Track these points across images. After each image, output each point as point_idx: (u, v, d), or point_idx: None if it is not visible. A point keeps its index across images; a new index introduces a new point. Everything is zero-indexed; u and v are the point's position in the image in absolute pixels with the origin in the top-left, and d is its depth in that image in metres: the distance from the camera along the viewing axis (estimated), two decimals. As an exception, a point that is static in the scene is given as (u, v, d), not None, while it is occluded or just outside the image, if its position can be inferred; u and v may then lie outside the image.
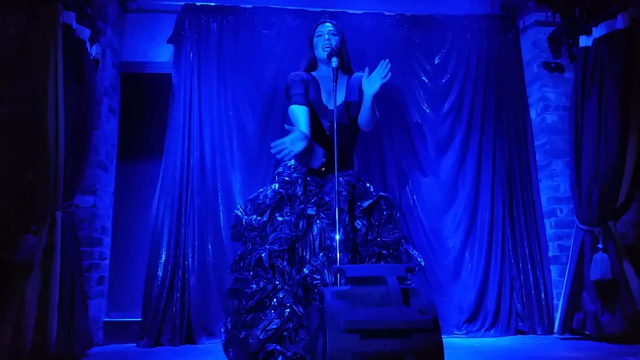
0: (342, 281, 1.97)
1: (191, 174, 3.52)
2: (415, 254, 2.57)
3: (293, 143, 2.27)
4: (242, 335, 2.25)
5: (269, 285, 2.30)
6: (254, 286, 2.31)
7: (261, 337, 2.16)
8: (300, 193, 2.48)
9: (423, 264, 2.63)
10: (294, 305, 2.22)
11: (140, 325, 3.28)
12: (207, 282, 3.40)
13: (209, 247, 3.46)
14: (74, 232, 2.91)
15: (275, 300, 2.26)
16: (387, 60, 2.41)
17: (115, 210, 3.63)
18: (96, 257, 3.29)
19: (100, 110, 3.39)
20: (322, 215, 2.39)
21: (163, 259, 3.36)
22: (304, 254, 2.36)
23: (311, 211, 2.40)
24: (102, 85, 3.42)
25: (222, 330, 2.44)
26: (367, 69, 2.47)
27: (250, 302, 2.28)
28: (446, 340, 2.81)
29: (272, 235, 2.39)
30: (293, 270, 2.33)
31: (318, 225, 2.38)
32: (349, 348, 1.42)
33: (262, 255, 2.35)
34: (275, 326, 2.18)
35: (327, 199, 2.43)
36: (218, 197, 3.54)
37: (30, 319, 2.52)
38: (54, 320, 2.59)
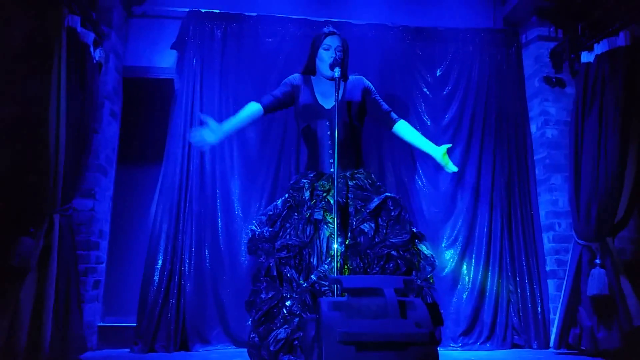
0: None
1: (190, 180, 3.51)
2: (430, 254, 2.38)
3: (206, 134, 2.45)
4: (257, 348, 2.23)
5: (277, 295, 2.26)
6: (264, 296, 2.28)
7: (272, 348, 2.14)
8: (307, 198, 2.40)
9: (437, 264, 2.45)
10: (302, 314, 2.16)
11: (135, 331, 3.26)
12: (203, 289, 3.39)
13: (206, 253, 3.45)
14: (72, 235, 2.91)
15: (284, 309, 2.22)
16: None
17: (113, 214, 3.63)
18: (93, 261, 3.28)
19: (101, 114, 3.40)
20: (328, 220, 2.32)
21: (160, 264, 3.35)
22: (312, 260, 2.29)
23: (318, 216, 2.33)
24: (104, 89, 3.42)
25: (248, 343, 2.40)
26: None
27: (259, 313, 2.26)
28: (442, 352, 2.78)
29: (278, 243, 2.35)
30: (301, 277, 2.27)
31: (325, 230, 2.31)
32: (344, 360, 1.41)
33: (270, 264, 2.33)
34: (284, 335, 2.14)
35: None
36: (217, 203, 3.53)
37: (25, 322, 2.51)
38: (48, 324, 2.58)
